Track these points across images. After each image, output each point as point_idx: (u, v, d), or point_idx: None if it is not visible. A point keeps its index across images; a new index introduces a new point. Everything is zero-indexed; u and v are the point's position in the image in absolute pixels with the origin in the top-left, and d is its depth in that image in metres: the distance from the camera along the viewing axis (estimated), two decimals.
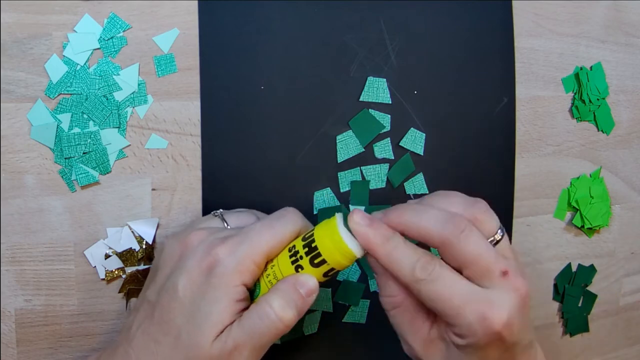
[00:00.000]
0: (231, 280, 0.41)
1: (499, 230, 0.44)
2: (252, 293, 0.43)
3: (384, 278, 0.44)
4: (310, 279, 0.42)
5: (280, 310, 0.41)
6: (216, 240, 0.43)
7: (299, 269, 0.42)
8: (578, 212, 0.62)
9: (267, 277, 0.43)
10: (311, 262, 0.42)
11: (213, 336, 0.40)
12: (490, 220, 0.44)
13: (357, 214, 0.42)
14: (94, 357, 0.46)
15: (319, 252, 0.41)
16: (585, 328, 0.65)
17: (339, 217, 0.42)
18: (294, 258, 0.42)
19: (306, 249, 0.42)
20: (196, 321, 0.41)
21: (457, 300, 0.40)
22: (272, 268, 0.43)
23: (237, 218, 0.47)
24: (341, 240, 0.41)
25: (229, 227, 0.46)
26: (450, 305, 0.40)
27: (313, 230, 0.42)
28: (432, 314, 0.45)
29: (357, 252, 0.41)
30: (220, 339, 0.40)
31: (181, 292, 0.41)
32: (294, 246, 0.42)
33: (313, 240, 0.41)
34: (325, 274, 0.42)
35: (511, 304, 0.40)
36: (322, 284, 0.43)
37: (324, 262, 0.41)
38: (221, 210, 0.48)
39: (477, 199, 0.45)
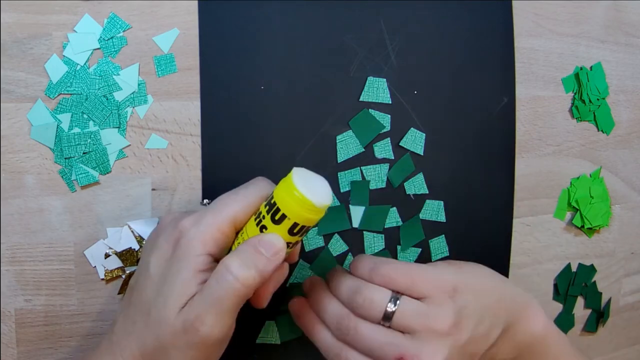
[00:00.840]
0: (194, 250, 0.40)
1: (389, 303, 0.45)
2: None
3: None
4: (273, 237, 0.41)
5: (237, 270, 0.39)
6: (184, 214, 0.43)
7: (263, 230, 0.41)
8: (578, 212, 0.62)
9: (237, 245, 0.42)
10: (272, 219, 0.41)
11: (177, 309, 0.39)
12: (373, 302, 0.45)
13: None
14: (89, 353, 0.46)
15: (278, 207, 0.40)
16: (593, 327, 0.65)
17: (295, 170, 0.41)
18: (257, 220, 0.41)
19: (267, 208, 0.41)
20: (163, 295, 0.40)
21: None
22: (241, 236, 0.42)
23: None
24: (296, 190, 0.40)
25: None
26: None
27: (273, 191, 0.42)
28: None
29: (316, 202, 0.40)
30: (183, 311, 0.39)
31: (152, 269, 0.41)
32: (259, 211, 0.42)
33: (272, 197, 0.41)
34: (290, 232, 0.41)
35: None
36: (292, 245, 0.43)
37: (284, 217, 0.40)
38: (208, 200, 0.48)
39: (361, 282, 0.47)
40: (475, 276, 0.49)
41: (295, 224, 0.41)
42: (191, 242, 0.40)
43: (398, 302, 0.45)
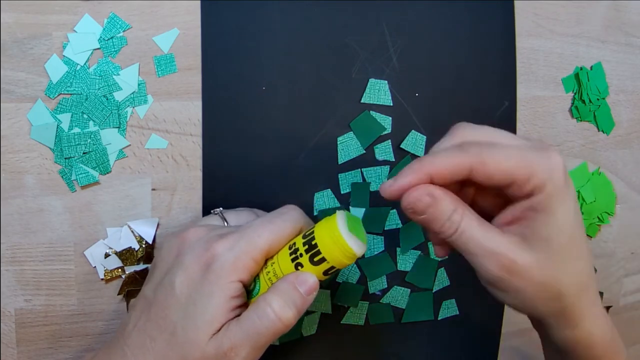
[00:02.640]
0: (228, 276, 0.40)
1: None
2: (250, 290, 0.43)
3: (440, 199, 0.40)
4: (310, 277, 0.41)
5: (280, 310, 0.40)
6: (214, 236, 0.42)
7: (299, 267, 0.42)
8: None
9: (267, 275, 0.42)
10: (311, 260, 0.41)
11: (209, 334, 0.40)
12: None
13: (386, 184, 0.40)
14: (90, 356, 0.46)
15: (318, 250, 0.41)
16: None
17: (339, 214, 0.41)
18: (294, 256, 0.42)
19: (306, 247, 0.41)
20: (192, 317, 0.40)
21: (520, 160, 0.38)
22: (272, 265, 0.42)
23: (237, 216, 0.47)
24: (341, 238, 0.40)
25: (228, 225, 0.46)
26: (518, 167, 0.38)
27: (313, 227, 0.42)
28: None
29: (357, 251, 0.41)
30: (217, 337, 0.40)
31: (178, 288, 0.41)
32: (294, 244, 0.42)
33: (313, 238, 0.41)
34: (325, 273, 0.42)
35: (554, 149, 0.39)
36: (321, 284, 0.43)
37: (323, 260, 0.41)
38: (221, 208, 0.48)
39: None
40: None
41: (331, 267, 0.42)
42: (224, 268, 0.40)
43: None
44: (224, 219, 0.47)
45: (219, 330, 0.40)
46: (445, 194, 0.39)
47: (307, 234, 0.42)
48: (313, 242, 0.41)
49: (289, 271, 0.42)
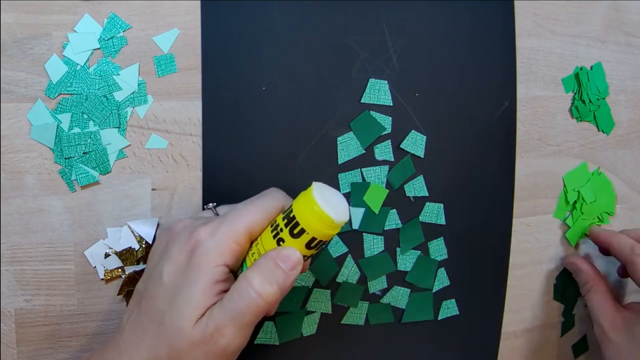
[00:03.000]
0: (211, 260, 0.40)
1: None
2: (237, 275, 0.43)
3: (581, 270, 0.61)
4: (291, 251, 0.41)
5: (260, 286, 0.40)
6: (199, 224, 0.43)
7: (281, 243, 0.41)
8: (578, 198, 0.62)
9: (252, 256, 0.42)
10: (291, 233, 0.41)
11: (194, 319, 0.40)
12: None
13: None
14: (88, 355, 0.45)
15: (297, 222, 0.40)
16: None
17: (315, 185, 0.41)
18: (275, 232, 0.41)
19: (285, 221, 0.41)
20: (177, 305, 0.40)
21: None
22: (256, 246, 0.42)
23: (228, 208, 0.47)
24: (317, 205, 0.40)
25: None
26: None
27: (291, 204, 0.42)
28: (617, 303, 0.59)
29: (335, 217, 0.40)
30: (202, 321, 0.40)
31: (165, 277, 0.41)
32: (275, 221, 0.42)
33: (291, 211, 0.41)
34: (308, 246, 0.41)
35: None
36: (308, 259, 0.43)
37: (303, 231, 0.40)
38: (214, 203, 0.48)
39: None
40: None
41: (313, 239, 0.41)
42: (208, 253, 0.40)
43: None
44: (216, 213, 0.47)
45: (203, 314, 0.40)
46: (587, 267, 0.61)
47: (286, 209, 0.42)
48: (291, 215, 0.41)
49: (272, 248, 0.41)
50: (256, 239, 0.43)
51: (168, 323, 0.40)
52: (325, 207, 0.40)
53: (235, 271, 0.43)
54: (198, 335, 0.39)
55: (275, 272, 0.40)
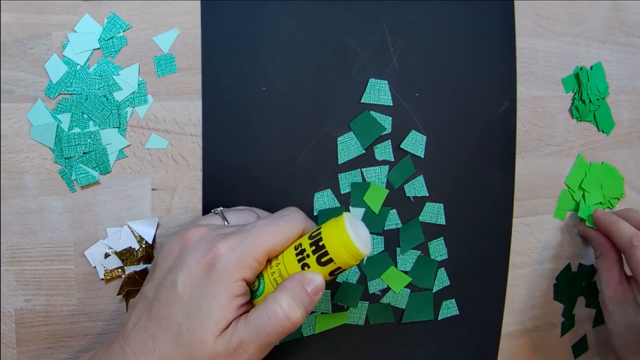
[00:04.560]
0: (231, 276, 0.41)
1: None
2: (253, 290, 0.43)
3: (592, 237, 0.62)
4: (317, 277, 0.42)
5: (289, 309, 0.41)
6: (217, 236, 0.43)
7: (305, 267, 0.42)
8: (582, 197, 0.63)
9: (272, 275, 0.43)
10: (318, 260, 0.42)
11: (216, 332, 0.40)
12: None
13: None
14: (89, 356, 0.45)
15: (326, 251, 0.41)
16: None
17: (347, 216, 0.42)
18: (300, 256, 0.42)
19: (313, 247, 0.42)
20: (197, 317, 0.40)
21: None
22: (277, 266, 0.43)
23: (238, 216, 0.47)
24: (349, 239, 0.41)
25: (229, 224, 0.46)
26: None
27: (320, 228, 0.42)
28: (622, 275, 0.60)
29: (364, 251, 0.41)
30: (225, 335, 0.40)
31: (180, 287, 0.41)
32: (300, 244, 0.42)
33: (320, 239, 0.41)
34: (331, 273, 0.42)
35: None
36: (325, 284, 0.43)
37: (330, 260, 0.41)
38: (221, 208, 0.48)
39: None
40: None
41: (337, 268, 0.42)
42: (228, 268, 0.41)
43: None
44: (225, 219, 0.47)
45: (225, 328, 0.40)
46: (597, 235, 0.62)
47: (313, 234, 0.42)
48: (320, 243, 0.41)
49: (295, 271, 0.42)
50: (275, 257, 0.43)
51: (187, 335, 0.40)
52: (356, 240, 0.41)
53: (250, 286, 0.43)
54: (221, 348, 0.40)
55: (302, 295, 0.41)
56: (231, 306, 0.41)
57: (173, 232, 0.50)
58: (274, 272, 0.43)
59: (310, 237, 0.42)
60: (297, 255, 0.42)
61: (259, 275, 0.43)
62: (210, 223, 0.46)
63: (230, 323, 0.41)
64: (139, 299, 0.44)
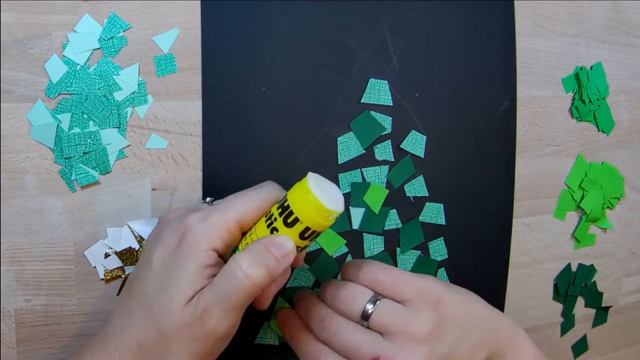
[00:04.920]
0: (200, 245, 0.40)
1: (368, 304, 0.45)
2: None
3: None
4: (285, 240, 0.41)
5: (248, 268, 0.39)
6: (189, 210, 0.43)
7: (274, 232, 0.41)
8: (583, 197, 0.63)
9: (246, 245, 0.42)
10: (284, 222, 0.41)
11: (183, 302, 0.40)
12: (354, 299, 0.46)
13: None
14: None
15: (291, 210, 0.41)
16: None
17: (311, 175, 0.41)
18: (269, 222, 0.42)
19: (279, 210, 0.41)
20: (166, 288, 0.40)
21: None
22: (250, 236, 0.42)
23: None
24: (311, 194, 0.40)
25: None
26: None
27: (286, 194, 0.42)
28: None
29: (331, 207, 0.40)
30: (191, 304, 0.40)
31: (154, 263, 0.41)
32: (270, 211, 0.42)
33: (286, 200, 0.41)
34: (302, 235, 0.41)
35: None
36: (302, 250, 0.44)
37: (297, 220, 0.41)
38: (212, 198, 0.48)
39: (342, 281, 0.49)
40: (462, 295, 0.49)
41: (306, 228, 0.41)
42: (197, 237, 0.41)
43: (378, 302, 0.45)
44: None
45: (192, 297, 0.40)
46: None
47: (281, 199, 0.42)
48: (285, 204, 0.41)
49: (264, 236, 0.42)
50: (248, 230, 0.43)
51: (157, 307, 0.40)
52: (319, 196, 0.40)
53: (225, 259, 0.43)
54: (187, 317, 0.39)
55: (265, 256, 0.40)
56: (200, 276, 0.40)
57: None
58: (247, 243, 0.42)
59: (278, 202, 0.42)
60: (266, 221, 0.42)
61: (237, 248, 0.43)
62: (194, 208, 0.46)
63: (198, 292, 0.40)
64: (125, 285, 0.45)
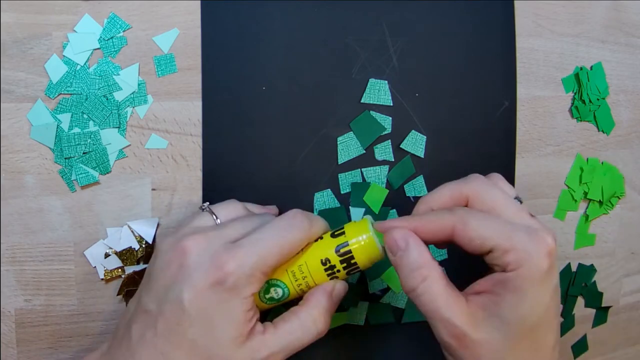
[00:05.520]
0: (243, 293, 0.41)
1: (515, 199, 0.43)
2: (277, 298, 0.45)
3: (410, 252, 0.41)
4: (343, 287, 0.45)
5: (320, 323, 0.43)
6: (220, 249, 0.41)
7: (334, 278, 0.44)
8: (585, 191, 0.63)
9: (299, 287, 0.44)
10: (347, 273, 0.44)
11: (235, 347, 0.41)
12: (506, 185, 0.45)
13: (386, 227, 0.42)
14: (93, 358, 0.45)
15: (358, 267, 0.43)
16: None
17: (372, 229, 0.43)
18: (330, 271, 0.44)
19: (344, 265, 0.43)
20: (213, 335, 0.40)
21: (503, 231, 0.39)
22: (304, 279, 0.44)
23: (226, 209, 0.47)
24: (380, 254, 0.43)
25: (219, 220, 0.45)
26: (498, 236, 0.39)
27: (348, 244, 0.43)
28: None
29: (383, 256, 0.43)
30: (250, 347, 0.41)
31: (187, 304, 0.40)
32: (328, 260, 0.43)
33: (352, 257, 0.43)
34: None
35: (550, 233, 0.40)
36: None
37: (359, 270, 0.44)
38: (207, 203, 0.47)
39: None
40: None
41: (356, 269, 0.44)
42: (238, 286, 0.41)
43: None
44: (214, 214, 0.46)
45: (246, 339, 0.41)
46: (419, 247, 0.41)
47: (342, 251, 0.43)
48: (352, 262, 0.43)
49: (323, 281, 0.44)
50: (292, 262, 0.44)
51: (203, 352, 0.41)
52: (382, 252, 0.43)
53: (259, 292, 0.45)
54: (244, 359, 0.41)
55: (329, 307, 0.44)
56: (245, 321, 0.41)
57: (163, 235, 0.48)
58: (300, 284, 0.44)
59: (339, 254, 0.43)
60: (326, 270, 0.44)
61: (281, 285, 0.44)
62: (202, 226, 0.45)
63: (249, 334, 0.41)
64: (138, 310, 0.43)
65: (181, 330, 0.41)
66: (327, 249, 0.44)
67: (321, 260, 0.43)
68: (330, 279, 0.44)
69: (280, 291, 0.44)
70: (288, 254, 0.43)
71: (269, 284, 0.44)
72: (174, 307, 0.41)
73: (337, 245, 0.43)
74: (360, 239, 0.43)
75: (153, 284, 0.43)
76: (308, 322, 0.43)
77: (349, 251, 0.43)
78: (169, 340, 0.41)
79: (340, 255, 0.43)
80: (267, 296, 0.44)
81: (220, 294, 0.40)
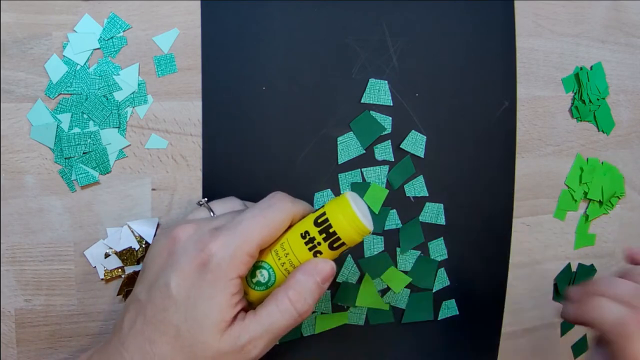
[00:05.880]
0: (227, 275, 0.40)
1: None
2: (256, 281, 0.44)
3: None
4: (328, 266, 0.42)
5: (300, 306, 0.41)
6: (206, 234, 0.42)
7: (317, 254, 0.42)
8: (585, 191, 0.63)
9: (283, 266, 0.43)
10: (330, 246, 0.42)
11: (218, 332, 0.40)
12: None
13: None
14: (85, 356, 0.45)
15: (338, 237, 0.42)
16: None
17: (350, 196, 0.42)
18: (311, 245, 0.42)
19: (324, 235, 0.42)
20: (195, 319, 0.40)
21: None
22: (286, 256, 0.43)
23: (223, 205, 0.47)
24: (358, 220, 0.41)
25: (215, 215, 0.46)
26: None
27: (325, 214, 0.42)
28: None
29: (370, 228, 0.42)
30: (231, 333, 0.40)
31: (174, 290, 0.41)
32: (307, 232, 0.42)
33: (330, 226, 0.42)
34: (338, 254, 0.43)
35: None
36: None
37: (342, 244, 0.42)
38: (205, 199, 0.48)
39: None
40: None
41: (342, 245, 0.42)
42: (222, 266, 0.41)
43: None
44: (210, 210, 0.47)
45: (228, 326, 0.41)
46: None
47: (319, 221, 0.42)
48: (331, 230, 0.42)
49: (306, 258, 0.43)
50: (274, 244, 0.43)
51: (187, 337, 0.40)
52: (363, 219, 0.41)
53: (246, 277, 0.44)
54: (227, 346, 0.40)
55: (312, 288, 0.42)
56: (230, 305, 0.41)
57: (160, 231, 0.50)
58: (284, 263, 0.43)
59: (316, 224, 0.42)
60: (306, 244, 0.42)
61: (265, 266, 0.43)
62: (196, 218, 0.46)
63: (232, 321, 0.41)
64: (131, 300, 0.44)
65: (167, 316, 0.41)
66: (307, 222, 0.43)
67: (300, 234, 0.43)
68: (314, 254, 0.42)
69: (265, 273, 0.43)
70: (270, 234, 0.42)
71: (254, 267, 0.43)
72: (162, 293, 0.41)
73: (316, 217, 0.42)
74: (337, 206, 0.42)
75: (146, 273, 0.44)
76: (285, 303, 0.41)
77: (327, 220, 0.42)
78: (156, 327, 0.41)
79: (317, 225, 0.42)
80: (254, 280, 0.43)
81: (204, 276, 0.41)
